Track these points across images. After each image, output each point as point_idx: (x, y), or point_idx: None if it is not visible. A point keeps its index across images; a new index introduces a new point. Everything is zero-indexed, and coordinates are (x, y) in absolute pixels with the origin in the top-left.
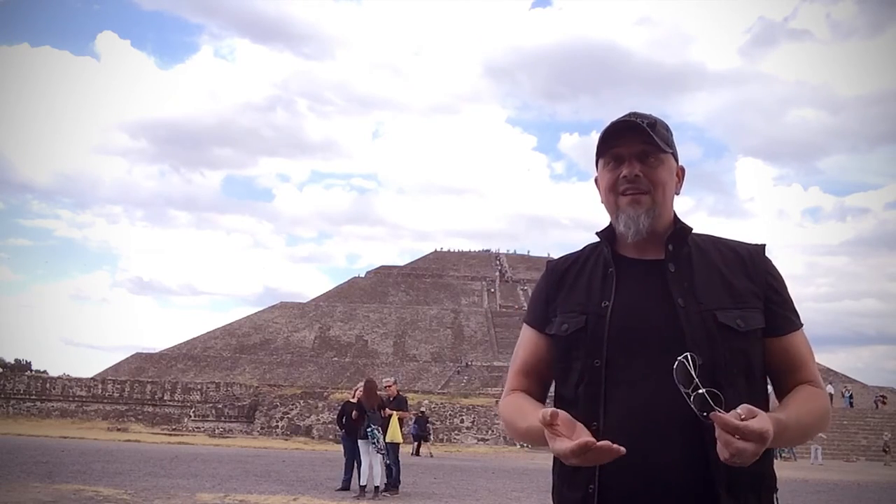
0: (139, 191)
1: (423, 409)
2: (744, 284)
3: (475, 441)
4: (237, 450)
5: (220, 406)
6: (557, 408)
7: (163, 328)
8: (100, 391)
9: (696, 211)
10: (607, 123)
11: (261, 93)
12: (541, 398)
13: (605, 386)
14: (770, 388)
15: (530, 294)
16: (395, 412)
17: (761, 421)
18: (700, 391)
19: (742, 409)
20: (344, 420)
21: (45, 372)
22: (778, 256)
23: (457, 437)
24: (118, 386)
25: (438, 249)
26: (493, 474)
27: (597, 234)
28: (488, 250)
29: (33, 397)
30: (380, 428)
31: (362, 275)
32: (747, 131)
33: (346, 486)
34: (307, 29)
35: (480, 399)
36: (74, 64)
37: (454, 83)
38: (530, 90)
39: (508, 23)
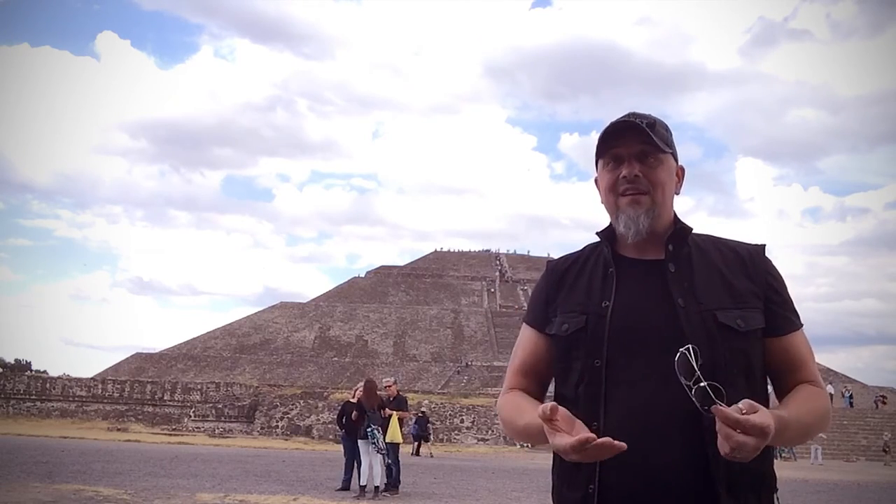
0: (139, 191)
1: (423, 409)
2: (744, 284)
3: (475, 441)
4: (237, 450)
5: (220, 406)
6: None
7: (163, 328)
8: (100, 391)
9: (696, 211)
10: (607, 123)
11: (261, 93)
12: (539, 397)
13: (606, 386)
14: (770, 388)
15: (530, 294)
16: (395, 412)
17: (763, 416)
18: (702, 384)
19: (743, 403)
20: (344, 420)
21: (45, 372)
22: (778, 256)
23: (457, 437)
24: (118, 386)
25: (438, 249)
26: (493, 474)
27: (597, 233)
28: (488, 250)
29: (33, 397)
30: (380, 428)
31: (362, 275)
32: (747, 131)
33: (346, 486)
34: (307, 29)
35: (480, 399)
36: (74, 64)
37: (454, 83)
38: (530, 90)
39: (508, 23)
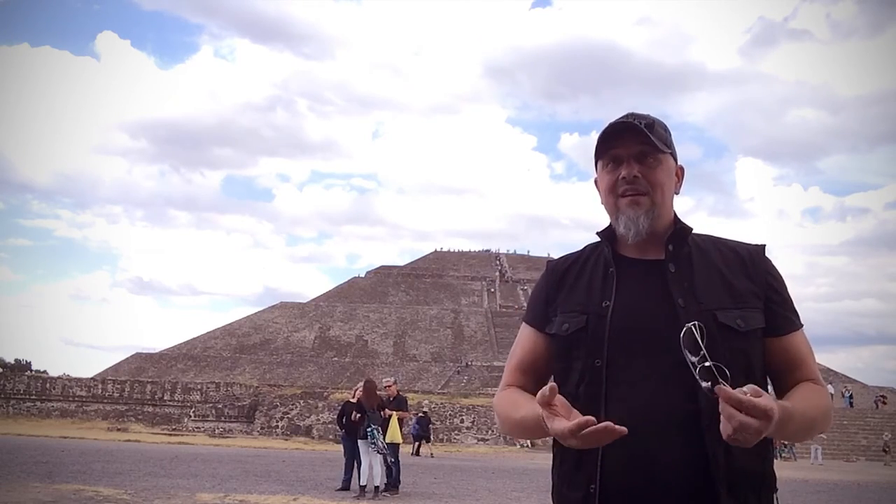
0: (139, 191)
1: (424, 409)
2: (744, 284)
3: (475, 441)
4: (237, 450)
5: (220, 406)
6: None
7: (163, 328)
8: (100, 391)
9: (696, 211)
10: (607, 124)
11: (261, 93)
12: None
13: (606, 386)
14: (770, 388)
15: (530, 294)
16: (394, 412)
17: (767, 399)
18: (707, 364)
19: (748, 388)
20: (344, 420)
21: (45, 372)
22: (778, 256)
23: (457, 437)
24: (118, 386)
25: (438, 249)
26: (493, 474)
27: (597, 233)
28: (488, 250)
29: (33, 397)
30: (379, 428)
31: (362, 275)
32: (747, 131)
33: (346, 486)
34: (307, 29)
35: (480, 399)
36: (74, 64)
37: (454, 83)
38: (530, 90)
39: (508, 23)
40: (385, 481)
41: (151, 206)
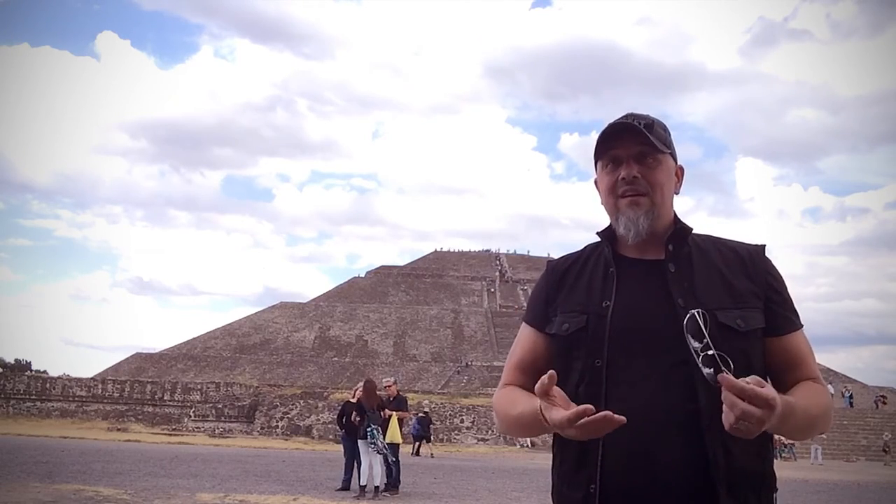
0: (139, 191)
1: (425, 409)
2: (744, 284)
3: (475, 441)
4: (237, 450)
5: (220, 406)
6: None
7: (163, 328)
8: (100, 391)
9: (696, 211)
10: (607, 124)
11: (261, 93)
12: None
13: (606, 386)
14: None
15: (530, 293)
16: (394, 413)
17: (769, 389)
18: (710, 352)
19: (751, 378)
20: (344, 420)
21: (45, 372)
22: (778, 256)
23: (457, 437)
24: (118, 386)
25: (438, 249)
26: (493, 474)
27: (597, 233)
28: (488, 250)
29: (33, 397)
30: (379, 428)
31: (362, 275)
32: (747, 131)
33: (346, 486)
34: (307, 29)
35: (480, 399)
36: (74, 64)
37: (454, 83)
38: (530, 90)
39: (508, 23)
40: (385, 481)
41: (151, 206)
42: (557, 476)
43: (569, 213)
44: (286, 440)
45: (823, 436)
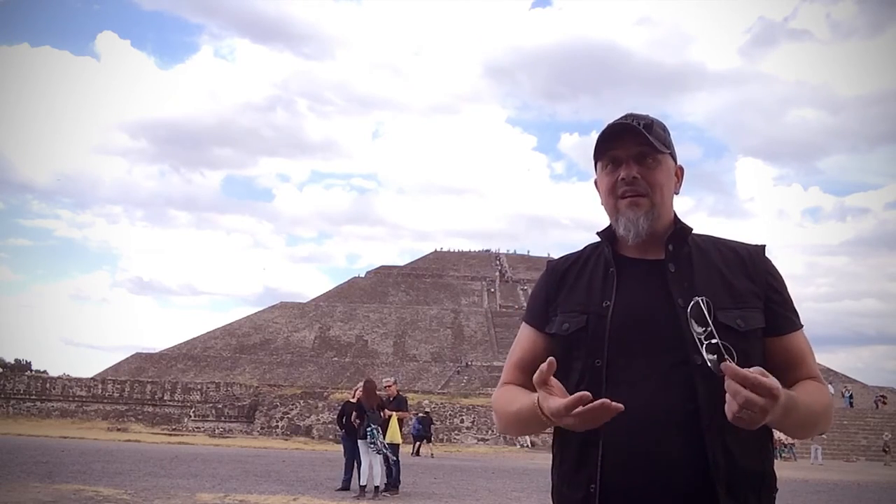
0: (139, 191)
1: (426, 409)
2: (744, 284)
3: (475, 441)
4: (237, 450)
5: (220, 406)
6: None
7: (163, 328)
8: (100, 391)
9: (696, 211)
10: (606, 124)
11: (261, 93)
12: None
13: (606, 386)
14: None
15: (530, 293)
16: (394, 413)
17: (773, 380)
18: (714, 341)
19: (755, 369)
20: (344, 420)
21: (45, 372)
22: (778, 256)
23: (457, 437)
24: (118, 386)
25: (438, 249)
26: (493, 474)
27: (597, 233)
28: (488, 250)
29: (33, 397)
30: (379, 428)
31: (362, 275)
32: (747, 131)
33: (346, 486)
34: (307, 29)
35: (480, 399)
36: (74, 64)
37: (454, 83)
38: (530, 90)
39: (508, 23)
40: (385, 481)
41: (151, 206)
42: (557, 476)
43: (569, 213)
44: (286, 440)
45: (823, 436)
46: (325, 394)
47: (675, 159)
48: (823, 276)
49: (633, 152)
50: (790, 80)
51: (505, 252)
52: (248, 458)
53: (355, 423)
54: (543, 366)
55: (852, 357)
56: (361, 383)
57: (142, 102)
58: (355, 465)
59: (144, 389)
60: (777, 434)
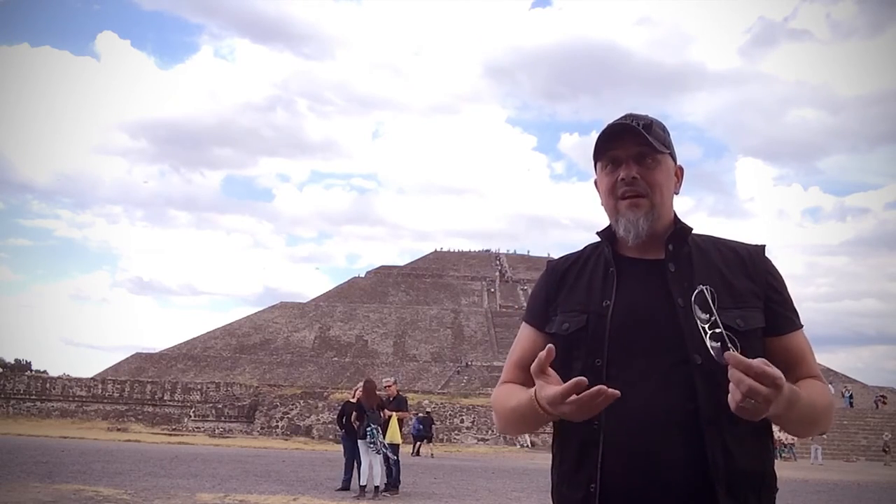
0: (139, 191)
1: (427, 409)
2: (744, 284)
3: (475, 441)
4: (237, 450)
5: (220, 406)
6: None
7: (163, 328)
8: (100, 391)
9: (696, 211)
10: (606, 124)
11: (261, 93)
12: None
13: (606, 385)
14: None
15: (530, 293)
16: (394, 413)
17: (777, 370)
18: (718, 330)
19: (758, 361)
20: (344, 420)
21: (45, 372)
22: (778, 256)
23: (457, 437)
24: (118, 386)
25: (438, 249)
26: (493, 474)
27: (597, 233)
28: (488, 250)
29: (33, 397)
30: (379, 428)
31: (362, 275)
32: (747, 131)
33: (346, 486)
34: (307, 29)
35: (480, 399)
36: (74, 64)
37: (454, 83)
38: (530, 90)
39: (508, 23)
40: (385, 481)
41: (151, 206)
42: (557, 476)
43: (569, 213)
44: (286, 440)
45: (823, 436)
46: (325, 394)
47: (674, 159)
48: (823, 276)
49: (633, 152)
50: (790, 80)
51: (505, 252)
52: (248, 458)
53: (355, 423)
54: (542, 353)
55: (852, 357)
56: (361, 383)
57: (142, 102)
58: (355, 465)
59: (144, 389)
60: (777, 434)
